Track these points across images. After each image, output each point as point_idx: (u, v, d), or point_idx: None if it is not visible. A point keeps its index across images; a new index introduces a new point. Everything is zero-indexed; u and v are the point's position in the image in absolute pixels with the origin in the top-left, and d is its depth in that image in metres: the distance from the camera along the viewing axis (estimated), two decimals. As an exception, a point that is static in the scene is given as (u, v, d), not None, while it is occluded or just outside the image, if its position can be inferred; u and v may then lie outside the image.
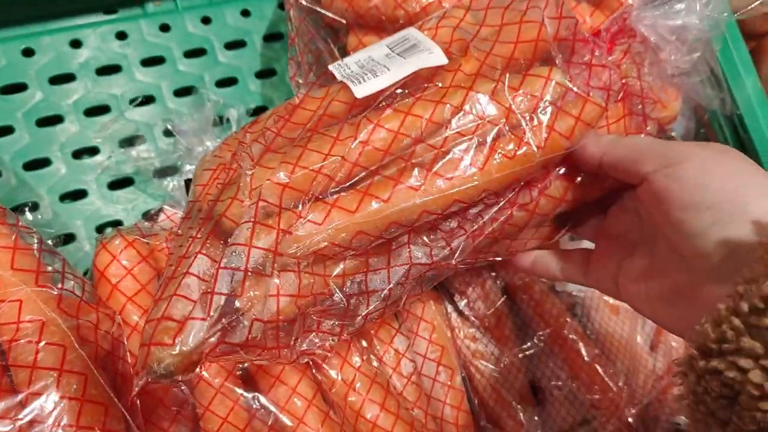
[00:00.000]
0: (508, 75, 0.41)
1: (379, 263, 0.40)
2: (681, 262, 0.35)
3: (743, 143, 0.64)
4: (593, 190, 0.45)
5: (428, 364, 0.54)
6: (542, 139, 0.40)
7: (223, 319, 0.34)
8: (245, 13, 0.65)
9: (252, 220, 0.36)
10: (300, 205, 0.38)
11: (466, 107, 0.40)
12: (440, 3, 0.54)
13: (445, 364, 0.54)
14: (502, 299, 0.58)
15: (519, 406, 0.56)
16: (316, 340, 0.40)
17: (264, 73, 0.64)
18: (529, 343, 0.58)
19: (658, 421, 0.59)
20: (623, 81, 0.44)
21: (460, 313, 0.58)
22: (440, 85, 0.41)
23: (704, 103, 0.60)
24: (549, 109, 0.41)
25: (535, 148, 0.40)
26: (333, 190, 0.38)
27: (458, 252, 0.42)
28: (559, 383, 0.58)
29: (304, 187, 0.38)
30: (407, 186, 0.38)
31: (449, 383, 0.54)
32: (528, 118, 0.40)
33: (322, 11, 0.55)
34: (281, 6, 0.66)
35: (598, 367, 0.57)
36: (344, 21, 0.55)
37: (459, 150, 0.39)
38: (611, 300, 0.61)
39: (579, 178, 0.44)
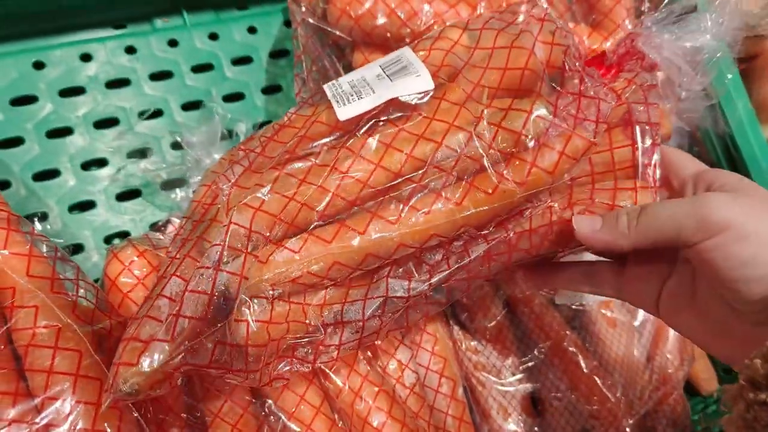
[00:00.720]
0: (489, 111, 0.41)
1: (358, 294, 0.40)
2: (726, 305, 0.36)
3: (734, 161, 0.67)
4: None
5: (431, 376, 0.55)
6: (524, 175, 0.39)
7: (187, 341, 0.35)
8: (252, 30, 0.66)
9: (221, 243, 0.37)
10: (276, 232, 0.38)
11: (447, 142, 0.40)
12: (444, 22, 0.55)
13: (447, 376, 0.55)
14: (503, 312, 0.60)
15: (520, 417, 0.57)
16: (288, 367, 0.40)
17: (270, 89, 0.66)
18: (529, 355, 0.59)
19: (654, 431, 0.60)
20: (627, 109, 0.43)
21: (462, 325, 0.59)
22: (423, 114, 0.41)
23: (697, 122, 0.62)
24: (531, 145, 0.40)
25: (515, 185, 0.39)
26: (318, 223, 0.39)
27: (437, 288, 0.42)
28: (559, 394, 0.59)
29: (276, 211, 0.38)
30: (384, 219, 0.38)
31: (451, 394, 0.55)
32: (509, 153, 0.40)
33: (329, 29, 0.57)
34: (287, 23, 0.67)
35: (596, 379, 0.58)
36: (350, 39, 0.57)
37: (437, 185, 0.39)
38: (609, 313, 0.63)
39: None
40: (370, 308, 0.40)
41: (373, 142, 0.40)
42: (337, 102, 0.42)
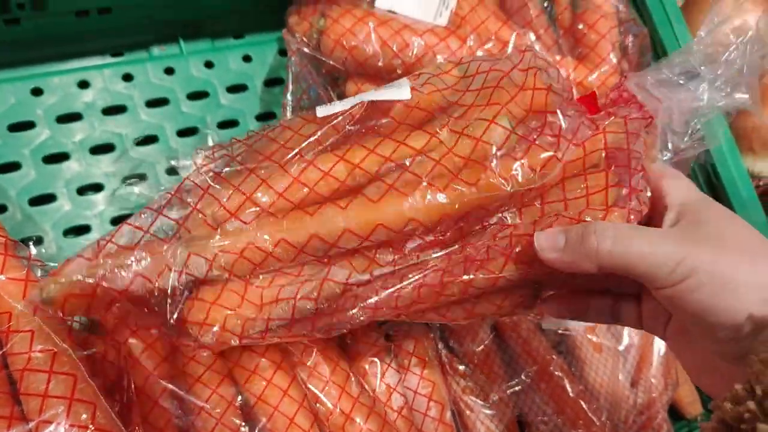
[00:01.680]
0: (452, 120, 0.43)
1: (301, 279, 0.41)
2: (708, 342, 0.36)
3: (716, 189, 0.68)
4: None
5: (419, 399, 0.55)
6: (477, 177, 0.40)
7: (108, 266, 0.38)
8: (247, 59, 0.68)
9: (171, 193, 0.40)
10: (233, 201, 0.40)
11: (410, 143, 0.42)
12: (434, 54, 0.57)
13: (435, 400, 0.55)
14: (491, 336, 0.61)
15: (507, 441, 0.58)
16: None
17: (264, 116, 0.67)
18: (516, 380, 0.60)
19: (639, 455, 0.61)
20: (607, 149, 0.43)
21: (451, 349, 0.60)
22: (395, 119, 0.43)
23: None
24: (492, 152, 0.41)
25: (467, 185, 0.40)
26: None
27: (381, 282, 0.41)
28: (545, 418, 0.59)
29: (236, 182, 0.40)
30: (335, 205, 0.40)
31: (439, 418, 0.55)
32: (468, 159, 0.41)
33: (323, 59, 0.59)
34: (282, 52, 0.69)
35: (582, 403, 0.59)
36: (344, 69, 0.58)
37: (391, 179, 0.41)
38: (594, 338, 0.64)
39: None
40: (307, 288, 0.41)
41: (341, 137, 0.43)
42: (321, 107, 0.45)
